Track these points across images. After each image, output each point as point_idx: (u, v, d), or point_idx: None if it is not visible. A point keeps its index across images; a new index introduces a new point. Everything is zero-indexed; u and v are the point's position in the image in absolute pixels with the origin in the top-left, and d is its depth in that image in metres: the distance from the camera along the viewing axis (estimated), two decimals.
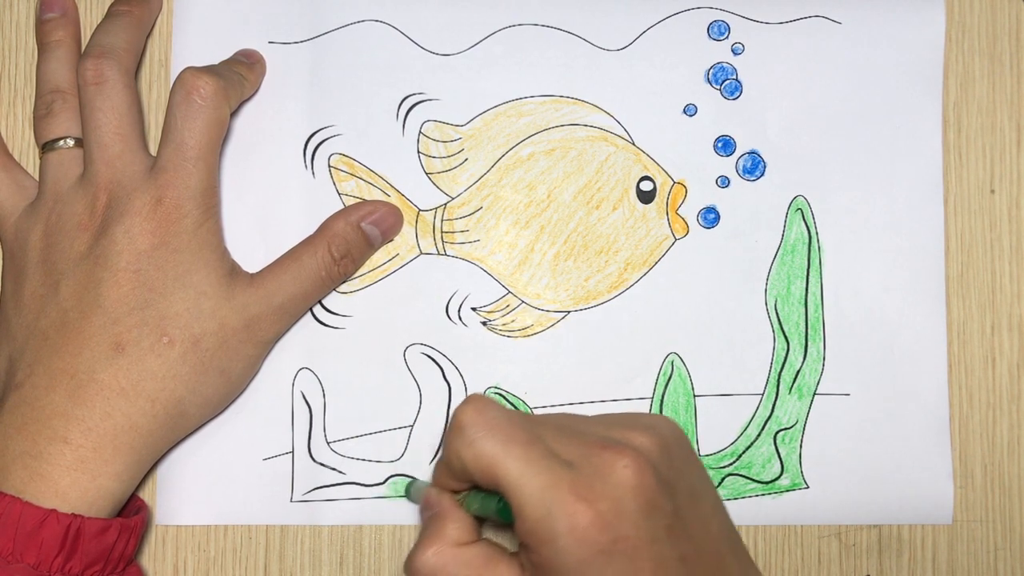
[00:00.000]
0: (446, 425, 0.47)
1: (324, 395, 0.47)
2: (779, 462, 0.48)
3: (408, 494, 0.45)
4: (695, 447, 0.47)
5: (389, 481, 0.47)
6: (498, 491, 0.36)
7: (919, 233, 0.49)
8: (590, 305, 0.48)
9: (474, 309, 0.48)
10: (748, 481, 0.48)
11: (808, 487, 0.48)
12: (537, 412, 0.47)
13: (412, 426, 0.47)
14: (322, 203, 0.47)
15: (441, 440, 0.47)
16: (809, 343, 0.48)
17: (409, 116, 0.48)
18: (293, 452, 0.47)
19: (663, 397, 0.48)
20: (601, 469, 0.35)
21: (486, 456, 0.35)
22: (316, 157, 0.48)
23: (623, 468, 0.35)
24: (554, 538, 0.34)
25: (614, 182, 0.48)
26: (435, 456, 0.47)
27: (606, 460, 0.35)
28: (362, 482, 0.47)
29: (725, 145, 0.49)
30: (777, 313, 0.48)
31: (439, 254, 0.48)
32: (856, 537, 0.48)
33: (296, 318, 0.46)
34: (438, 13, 0.48)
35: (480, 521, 0.39)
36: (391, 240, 0.47)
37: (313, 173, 0.48)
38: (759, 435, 0.48)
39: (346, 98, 0.48)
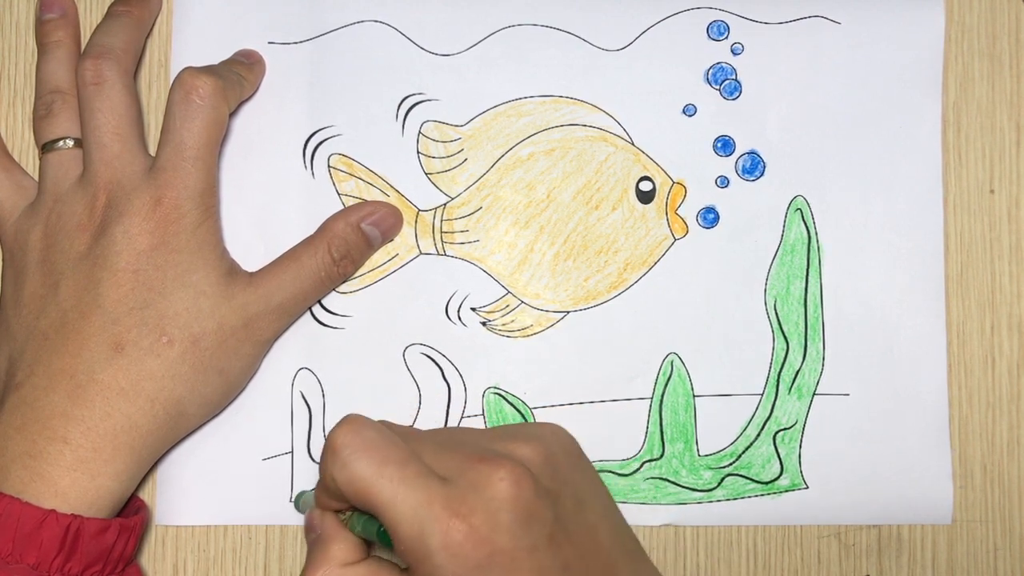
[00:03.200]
0: (446, 425, 0.47)
1: (323, 395, 0.47)
2: (778, 462, 0.48)
3: (297, 505, 0.45)
4: (694, 447, 0.47)
5: None
6: (374, 513, 0.35)
7: (918, 233, 0.49)
8: (590, 305, 0.48)
9: (474, 309, 0.48)
10: (748, 481, 0.48)
11: (808, 487, 0.48)
12: (536, 412, 0.47)
13: (412, 426, 0.47)
14: (322, 203, 0.47)
15: None
16: (808, 343, 0.48)
17: (409, 116, 0.48)
18: (292, 452, 0.47)
19: (663, 397, 0.48)
20: (477, 483, 0.34)
21: (359, 479, 0.35)
22: (316, 157, 0.48)
23: (499, 480, 0.34)
24: (429, 555, 0.34)
25: (613, 182, 0.48)
26: None
27: (482, 473, 0.34)
28: None
29: (724, 145, 0.49)
30: (776, 313, 0.48)
31: (439, 254, 0.48)
32: (856, 537, 0.48)
33: (295, 318, 0.46)
34: (438, 13, 0.48)
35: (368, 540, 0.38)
36: (391, 241, 0.47)
37: (313, 173, 0.48)
38: (758, 435, 0.48)
39: (346, 98, 0.48)
